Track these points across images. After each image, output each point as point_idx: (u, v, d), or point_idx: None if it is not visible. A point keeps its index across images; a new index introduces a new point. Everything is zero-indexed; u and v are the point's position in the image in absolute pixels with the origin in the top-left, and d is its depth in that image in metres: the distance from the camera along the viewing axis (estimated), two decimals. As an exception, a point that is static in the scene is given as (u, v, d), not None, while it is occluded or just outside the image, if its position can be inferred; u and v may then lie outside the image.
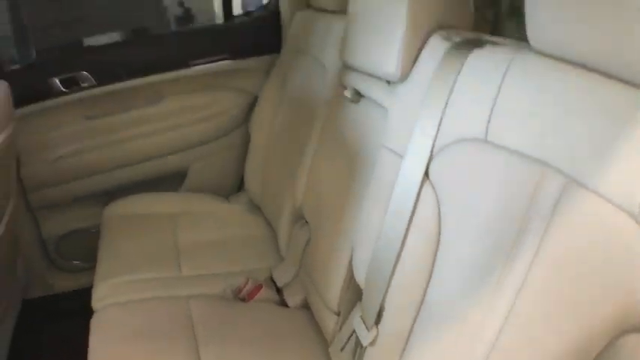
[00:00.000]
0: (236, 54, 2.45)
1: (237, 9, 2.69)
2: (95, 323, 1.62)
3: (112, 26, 2.89)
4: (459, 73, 1.09)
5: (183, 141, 2.49)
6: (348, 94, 1.56)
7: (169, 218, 2.22)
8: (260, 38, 2.48)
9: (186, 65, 2.41)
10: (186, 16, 3.30)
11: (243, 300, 1.77)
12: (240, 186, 2.53)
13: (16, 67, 2.41)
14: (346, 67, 1.63)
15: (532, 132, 0.91)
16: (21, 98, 2.13)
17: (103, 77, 2.34)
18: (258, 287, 1.78)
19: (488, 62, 1.04)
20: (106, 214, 2.28)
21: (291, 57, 2.16)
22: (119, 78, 2.36)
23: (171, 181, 2.53)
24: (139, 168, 2.46)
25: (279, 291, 1.84)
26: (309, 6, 2.15)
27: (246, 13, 2.73)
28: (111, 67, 2.36)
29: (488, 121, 0.99)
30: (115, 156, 2.43)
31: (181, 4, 3.25)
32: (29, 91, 2.27)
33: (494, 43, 1.10)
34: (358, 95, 1.55)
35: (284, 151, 2.06)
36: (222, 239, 2.12)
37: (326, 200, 1.66)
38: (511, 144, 0.94)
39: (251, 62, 2.47)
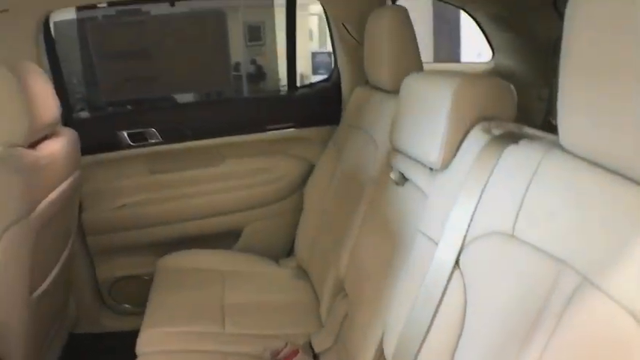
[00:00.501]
0: (297, 123, 2.57)
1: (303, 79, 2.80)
2: None
3: (181, 87, 3.06)
4: (494, 167, 1.12)
5: (240, 202, 2.58)
6: (393, 176, 1.61)
7: (219, 275, 2.28)
8: (321, 110, 2.59)
9: (249, 130, 2.54)
10: (255, 84, 3.46)
11: (278, 363, 1.80)
12: (290, 250, 2.59)
13: (86, 116, 2.57)
14: (394, 149, 1.68)
15: (554, 230, 0.93)
16: (89, 147, 2.29)
17: (170, 135, 2.49)
18: (295, 352, 1.80)
19: (520, 159, 1.07)
20: (160, 264, 2.36)
21: (348, 130, 2.23)
22: (184, 137, 2.50)
23: (225, 239, 2.59)
24: (195, 224, 2.55)
25: (315, 357, 1.85)
26: (367, 82, 2.23)
27: (310, 85, 2.85)
28: (178, 127, 2.51)
29: (516, 217, 1.02)
30: (173, 210, 2.53)
31: (252, 73, 3.41)
32: (97, 141, 2.42)
33: (530, 138, 1.13)
34: (403, 178, 1.59)
35: (333, 222, 2.11)
36: (267, 301, 2.15)
37: (365, 277, 1.69)
38: (534, 240, 0.96)
39: (311, 132, 2.57)
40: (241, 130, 2.54)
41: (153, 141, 2.48)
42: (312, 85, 2.86)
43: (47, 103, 1.83)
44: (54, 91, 1.94)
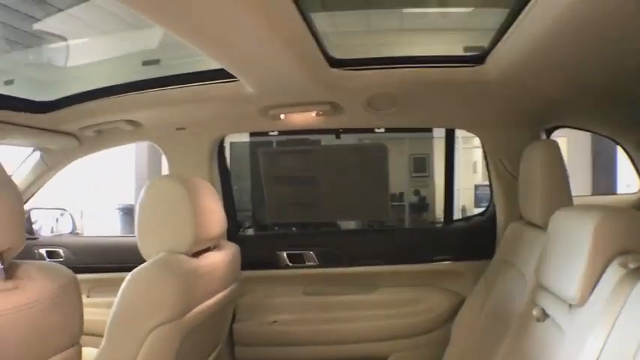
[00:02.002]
0: (451, 256, 2.58)
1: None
2: None
3: (341, 214, 3.20)
4: (626, 302, 1.11)
5: (388, 331, 2.58)
6: (535, 312, 1.57)
7: None
8: (475, 243, 2.57)
9: (403, 261, 2.58)
10: (417, 215, 3.52)
11: None
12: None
13: (250, 234, 2.76)
14: (539, 285, 1.64)
15: None
16: (249, 263, 2.43)
17: (326, 260, 2.61)
18: None
19: None
20: None
21: (500, 266, 2.20)
22: (340, 263, 2.61)
23: (370, 366, 2.59)
24: (341, 348, 2.58)
25: None
26: (521, 217, 2.20)
27: (466, 218, 2.86)
28: (335, 252, 2.62)
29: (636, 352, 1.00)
30: (322, 332, 2.59)
31: (415, 204, 3.49)
32: (258, 258, 2.59)
33: None
34: (544, 314, 1.56)
35: (477, 358, 2.05)
36: None
37: None
38: None
39: (464, 265, 2.57)
40: (396, 259, 2.59)
41: (310, 264, 2.61)
42: (468, 218, 2.88)
43: (213, 218, 1.99)
44: (221, 208, 2.12)
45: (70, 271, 1.27)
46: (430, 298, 2.58)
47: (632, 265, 1.20)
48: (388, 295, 2.61)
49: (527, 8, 1.43)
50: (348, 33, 2.20)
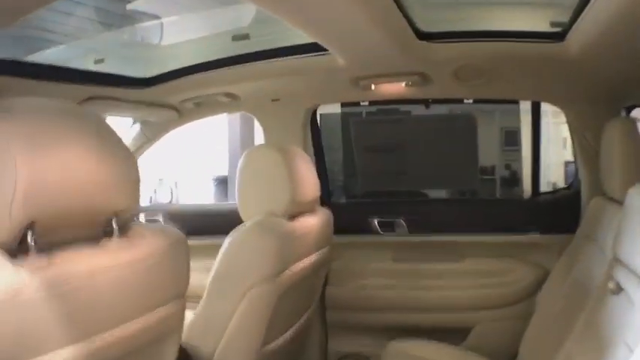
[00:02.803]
0: (536, 229, 2.60)
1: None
2: None
3: (430, 183, 3.26)
4: None
5: (474, 301, 2.63)
6: (610, 284, 1.58)
7: None
8: (560, 217, 2.57)
9: (490, 231, 2.63)
10: (508, 188, 3.53)
11: None
12: (516, 354, 2.55)
13: (343, 201, 2.86)
14: (615, 259, 1.65)
15: None
16: (341, 228, 2.55)
17: (416, 227, 2.69)
18: None
19: None
20: (389, 348, 2.46)
21: (583, 241, 2.20)
22: (429, 231, 2.68)
23: (454, 334, 2.63)
24: (428, 315, 2.66)
25: None
26: (604, 193, 2.20)
27: (552, 192, 2.85)
28: (424, 221, 2.70)
29: None
30: (409, 299, 2.67)
31: (506, 177, 3.50)
32: (350, 224, 2.69)
33: None
34: (619, 288, 1.56)
35: (557, 331, 2.08)
36: None
37: None
38: None
39: (549, 238, 2.57)
40: (482, 230, 2.65)
41: (399, 231, 2.70)
42: (554, 192, 2.87)
43: (308, 184, 2.11)
44: (315, 175, 2.23)
45: (179, 232, 1.38)
46: (515, 270, 2.61)
47: None
48: (475, 265, 2.66)
49: None
50: (436, 5, 2.23)
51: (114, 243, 1.14)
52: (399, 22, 1.79)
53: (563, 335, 1.91)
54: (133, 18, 2.67)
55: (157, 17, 2.58)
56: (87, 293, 1.05)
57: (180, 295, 1.35)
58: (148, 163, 3.04)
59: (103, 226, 1.13)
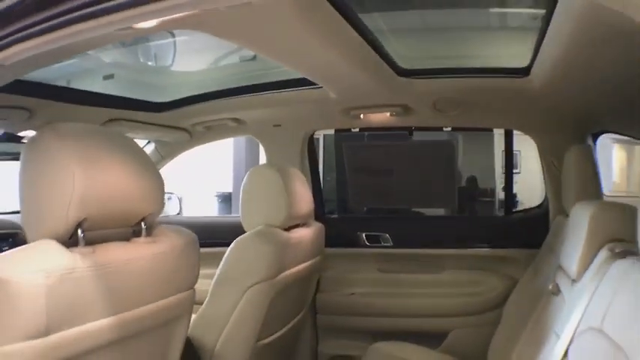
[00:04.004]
0: (509, 244, 2.86)
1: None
2: None
3: (414, 202, 3.54)
4: (603, 277, 1.39)
5: (450, 309, 2.89)
6: (551, 286, 1.87)
7: None
8: (530, 233, 2.82)
9: (467, 246, 2.91)
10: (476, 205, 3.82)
11: None
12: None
13: (334, 216, 3.15)
14: (559, 265, 1.94)
15: (620, 325, 1.17)
16: (333, 241, 2.84)
17: (400, 241, 2.97)
18: None
19: (618, 272, 1.34)
20: (371, 349, 2.70)
21: (546, 254, 2.46)
22: (413, 245, 2.96)
23: (431, 338, 2.87)
24: (409, 320, 2.92)
25: None
26: (564, 211, 2.43)
27: (524, 210, 3.14)
28: (408, 235, 2.98)
29: (603, 317, 1.26)
30: (393, 306, 2.94)
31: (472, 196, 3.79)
32: (340, 237, 2.98)
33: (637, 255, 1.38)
34: (558, 289, 1.85)
35: (515, 335, 2.31)
36: None
37: None
38: (611, 333, 1.20)
39: (519, 252, 2.83)
40: (460, 244, 2.92)
41: (385, 244, 2.97)
42: (526, 210, 3.15)
43: (302, 200, 2.39)
44: (310, 192, 2.53)
45: (192, 233, 1.68)
46: (488, 281, 2.87)
47: (617, 250, 1.48)
48: (452, 276, 2.93)
49: (551, 26, 1.66)
50: (413, 46, 2.46)
51: (142, 240, 1.44)
52: (378, 63, 2.07)
53: (518, 337, 2.18)
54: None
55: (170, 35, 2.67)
56: (121, 277, 1.35)
57: (190, 286, 1.64)
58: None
59: (133, 227, 1.44)
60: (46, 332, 1.17)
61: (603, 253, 1.53)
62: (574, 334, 1.41)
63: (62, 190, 1.23)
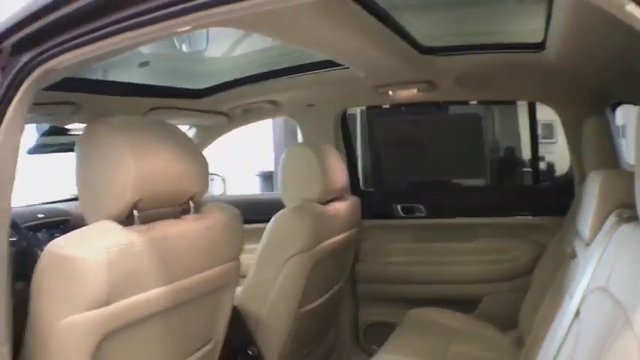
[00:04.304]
0: (537, 212, 2.96)
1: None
2: None
3: (443, 173, 3.65)
4: (610, 240, 1.49)
5: (483, 275, 3.00)
6: (569, 249, 1.97)
7: (451, 331, 2.69)
8: (558, 200, 2.88)
9: (498, 214, 3.01)
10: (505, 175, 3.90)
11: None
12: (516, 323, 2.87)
13: (371, 189, 3.28)
14: (575, 229, 2.03)
15: (621, 283, 1.25)
16: (369, 213, 3.01)
17: (434, 212, 3.10)
18: None
19: (623, 235, 1.43)
20: (408, 314, 2.86)
21: (570, 221, 2.52)
22: (445, 215, 3.08)
23: (466, 303, 3.00)
24: (444, 287, 3.05)
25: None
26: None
27: (552, 179, 3.22)
28: (441, 205, 3.11)
29: (608, 277, 1.35)
30: (428, 273, 3.07)
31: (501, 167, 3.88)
32: (377, 209, 3.13)
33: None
34: (574, 253, 1.94)
35: (540, 299, 2.38)
36: (482, 356, 2.49)
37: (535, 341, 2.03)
38: (614, 291, 1.28)
39: (547, 220, 2.92)
40: (492, 213, 3.02)
41: (419, 215, 3.11)
42: (554, 179, 3.23)
43: (336, 176, 2.54)
44: (345, 167, 2.68)
45: (235, 209, 1.83)
46: (518, 248, 2.97)
47: (625, 215, 1.55)
48: (484, 244, 3.03)
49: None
50: (434, 24, 2.48)
51: (190, 217, 1.61)
52: (400, 44, 2.18)
53: (542, 301, 2.28)
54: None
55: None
56: (173, 250, 1.52)
57: (235, 257, 1.81)
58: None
59: (182, 205, 1.61)
60: (108, 302, 1.34)
61: (612, 218, 1.61)
62: (584, 293, 1.51)
63: (119, 176, 1.40)
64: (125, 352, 1.47)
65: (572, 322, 1.53)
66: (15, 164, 1.33)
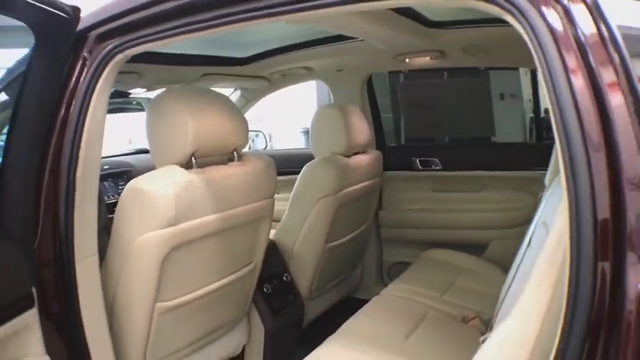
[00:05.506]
0: (538, 166, 3.09)
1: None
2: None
3: (459, 131, 3.99)
4: (556, 184, 1.72)
5: (490, 222, 3.32)
6: (540, 196, 2.28)
7: (459, 269, 2.99)
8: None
9: (504, 168, 3.30)
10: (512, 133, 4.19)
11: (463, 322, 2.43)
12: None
13: (392, 145, 3.64)
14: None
15: (550, 212, 1.42)
16: (391, 165, 3.39)
17: (448, 165, 3.43)
18: (473, 317, 2.42)
19: None
20: (422, 255, 3.22)
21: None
22: (459, 168, 3.41)
23: (475, 247, 3.27)
24: (456, 232, 3.40)
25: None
26: None
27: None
28: (455, 160, 3.44)
29: (547, 212, 1.61)
30: (443, 219, 3.42)
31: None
32: (398, 162, 3.49)
33: None
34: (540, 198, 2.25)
35: None
36: (481, 290, 2.73)
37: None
38: (547, 221, 1.50)
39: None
40: (499, 167, 3.30)
41: (435, 167, 3.45)
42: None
43: (359, 132, 2.92)
44: (366, 125, 3.04)
45: (271, 158, 2.25)
46: (522, 199, 3.23)
47: None
48: (492, 194, 3.32)
49: None
50: None
51: (234, 164, 2.07)
52: (406, 22, 2.46)
53: None
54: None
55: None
56: (222, 187, 1.98)
57: (270, 195, 2.24)
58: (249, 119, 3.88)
59: (228, 155, 2.07)
60: (175, 222, 1.81)
61: None
62: (534, 228, 1.82)
63: (181, 132, 1.85)
64: (185, 264, 1.95)
65: (525, 251, 1.84)
66: (104, 122, 1.77)
